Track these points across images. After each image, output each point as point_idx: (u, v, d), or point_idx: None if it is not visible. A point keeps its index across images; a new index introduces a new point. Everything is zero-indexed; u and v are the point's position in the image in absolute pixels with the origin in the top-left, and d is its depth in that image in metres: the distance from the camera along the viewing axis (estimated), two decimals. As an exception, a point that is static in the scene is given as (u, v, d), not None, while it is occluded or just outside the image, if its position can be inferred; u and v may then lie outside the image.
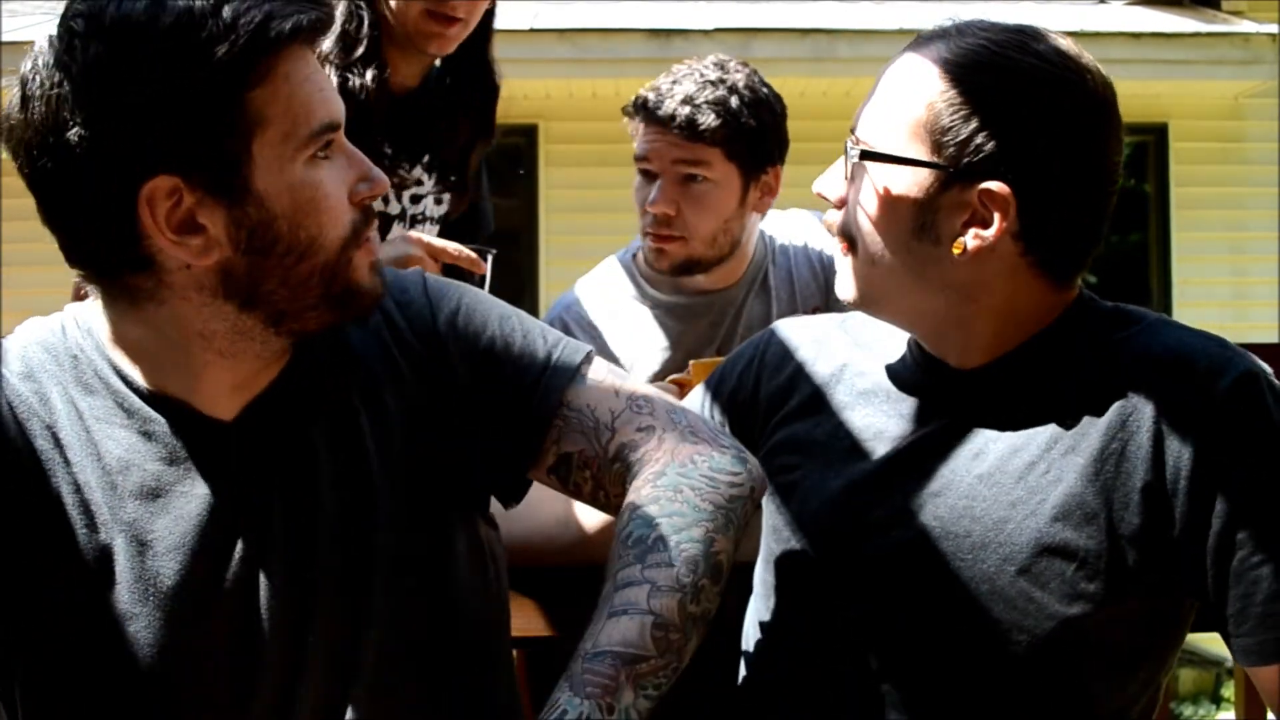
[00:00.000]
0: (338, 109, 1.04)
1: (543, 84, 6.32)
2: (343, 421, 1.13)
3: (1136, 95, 6.93)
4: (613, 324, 2.04)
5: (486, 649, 1.22)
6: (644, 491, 1.11)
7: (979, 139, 1.14)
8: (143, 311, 1.05)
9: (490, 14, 1.99)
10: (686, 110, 1.87)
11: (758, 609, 1.37)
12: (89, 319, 1.12)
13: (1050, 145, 1.14)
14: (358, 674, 1.11)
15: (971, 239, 1.16)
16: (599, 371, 1.22)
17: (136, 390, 1.08)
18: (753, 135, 1.91)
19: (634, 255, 2.09)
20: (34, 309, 1.24)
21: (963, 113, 1.14)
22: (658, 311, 2.03)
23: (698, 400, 1.47)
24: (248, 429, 1.10)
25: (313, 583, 1.10)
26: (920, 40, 1.21)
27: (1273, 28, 6.46)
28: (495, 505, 1.58)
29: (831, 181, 1.25)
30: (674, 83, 1.91)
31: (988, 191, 1.14)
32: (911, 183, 1.17)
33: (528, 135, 6.68)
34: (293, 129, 1.00)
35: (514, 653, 1.38)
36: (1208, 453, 1.12)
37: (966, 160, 1.14)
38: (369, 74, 1.88)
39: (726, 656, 1.44)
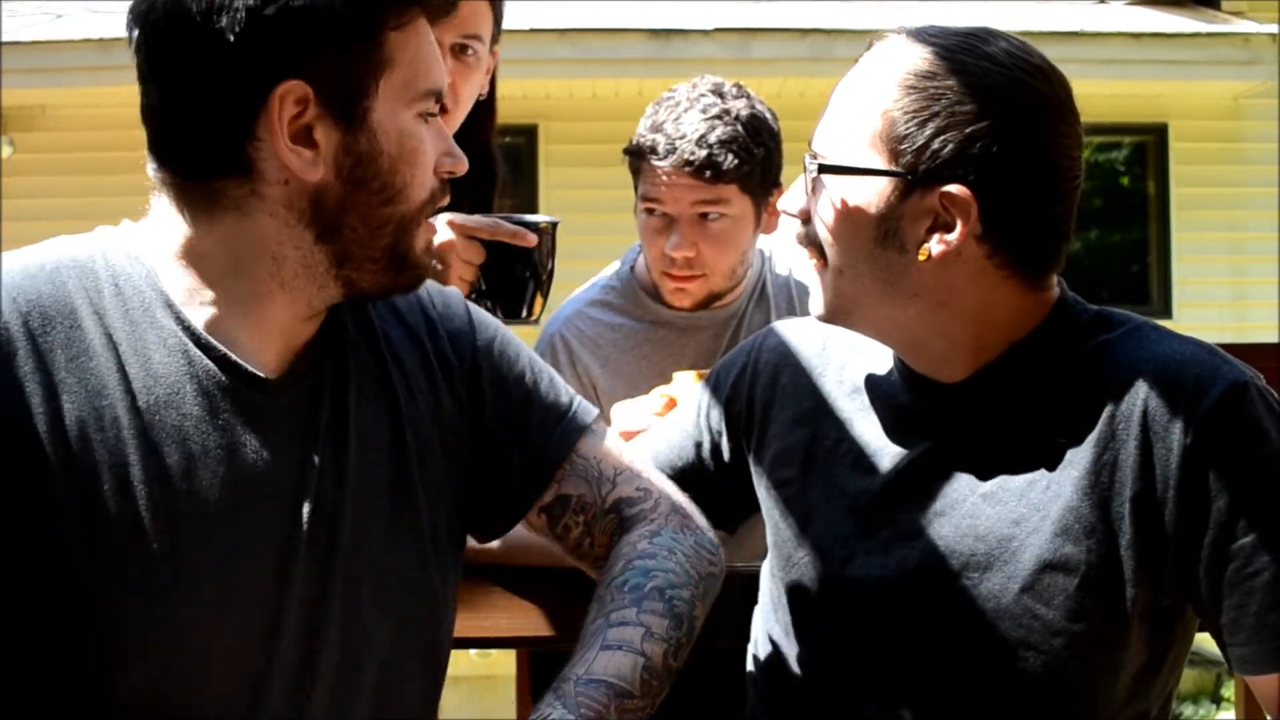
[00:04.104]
0: (445, 81, 1.10)
1: (543, 84, 6.32)
2: (379, 403, 1.15)
3: (1136, 95, 6.94)
4: (614, 337, 2.03)
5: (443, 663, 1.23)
6: (640, 545, 1.19)
7: (935, 144, 1.13)
8: (220, 223, 1.05)
9: (492, 101, 1.92)
10: (703, 153, 1.84)
11: (766, 621, 1.37)
12: (137, 246, 1.08)
13: (1007, 145, 1.14)
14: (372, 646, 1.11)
15: (936, 244, 1.15)
16: (609, 432, 1.29)
17: (186, 328, 1.06)
18: (763, 164, 1.89)
19: (631, 267, 2.08)
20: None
21: (918, 119, 1.14)
22: (660, 326, 2.03)
23: (692, 408, 1.46)
24: (287, 386, 1.09)
25: (335, 547, 1.09)
26: (871, 52, 1.21)
27: (1273, 28, 6.46)
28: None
29: (794, 198, 1.26)
30: (677, 120, 1.87)
31: (948, 195, 1.14)
32: (872, 192, 1.17)
33: (528, 135, 6.68)
34: (413, 80, 1.05)
35: (514, 652, 1.38)
36: (1196, 463, 1.11)
37: (924, 166, 1.14)
38: None
39: (736, 668, 1.44)
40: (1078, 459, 1.15)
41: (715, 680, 1.55)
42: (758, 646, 1.38)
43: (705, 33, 6.39)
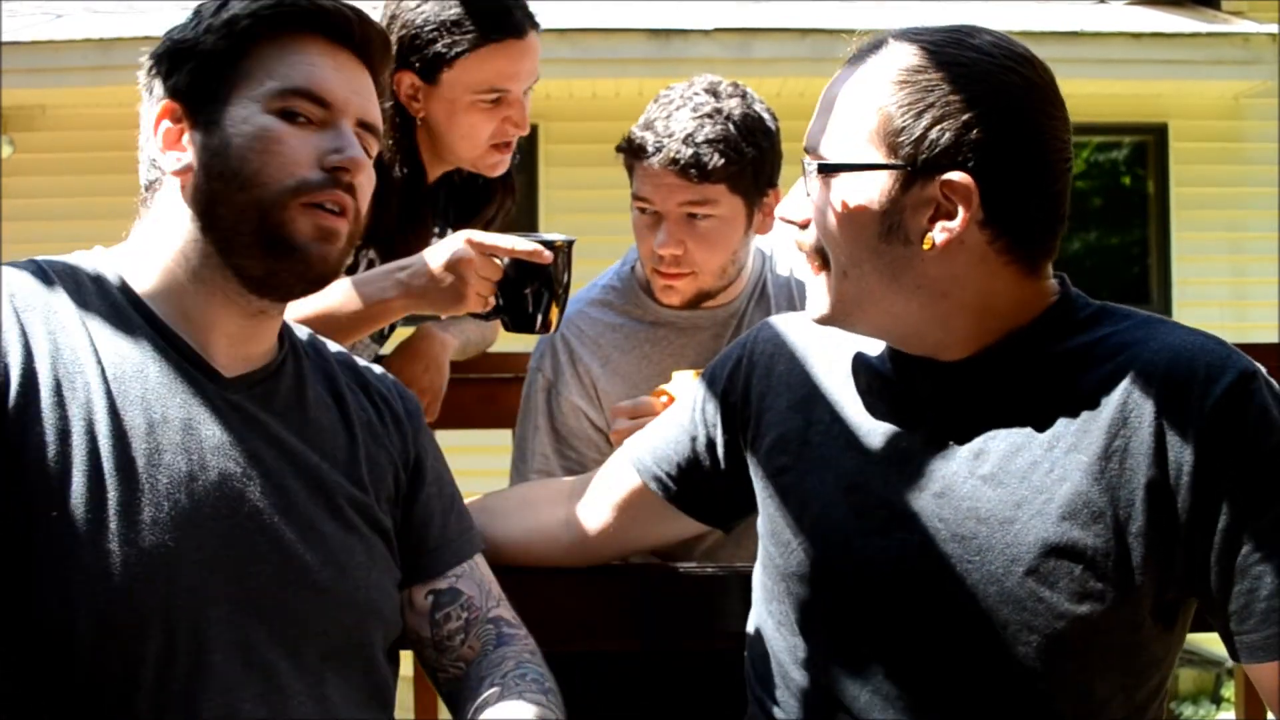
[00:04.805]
0: (330, 88, 1.23)
1: (543, 84, 6.27)
2: (333, 412, 1.31)
3: (1136, 95, 6.94)
4: (614, 337, 2.03)
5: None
6: (529, 657, 1.33)
7: (933, 134, 1.16)
8: (154, 227, 1.25)
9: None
10: (689, 152, 1.83)
11: (759, 614, 1.37)
12: (115, 256, 1.26)
13: (1001, 129, 1.16)
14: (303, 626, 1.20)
15: (940, 233, 1.17)
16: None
17: (151, 320, 1.21)
18: (754, 164, 1.88)
19: (632, 267, 2.07)
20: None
21: (914, 111, 1.16)
22: (660, 327, 2.02)
23: (689, 404, 1.47)
24: (242, 383, 1.24)
25: (280, 531, 1.20)
26: (859, 54, 1.23)
27: (1273, 28, 6.46)
28: (493, 504, 1.59)
29: (794, 204, 1.27)
30: (668, 119, 1.87)
31: (949, 183, 1.16)
32: (874, 188, 1.18)
33: (528, 135, 6.67)
34: (268, 83, 1.21)
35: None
36: (1209, 451, 1.12)
37: (924, 156, 1.16)
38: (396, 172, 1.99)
39: (736, 668, 1.44)
40: (1085, 444, 1.16)
41: (715, 680, 1.55)
42: (751, 646, 1.39)
43: (705, 33, 6.39)
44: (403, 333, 2.24)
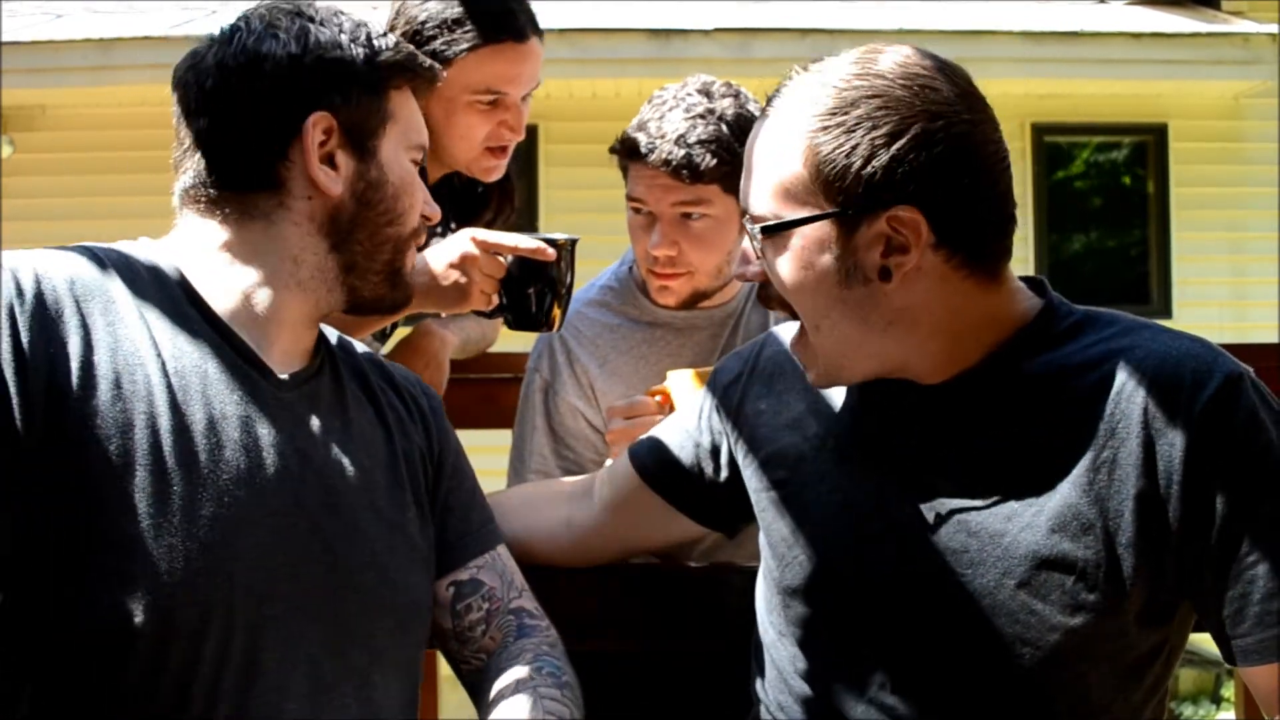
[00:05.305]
0: (426, 140, 1.33)
1: (543, 84, 6.31)
2: (368, 412, 1.33)
3: (1136, 95, 6.94)
4: (612, 338, 2.02)
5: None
6: (549, 650, 1.33)
7: (866, 171, 1.14)
8: (249, 229, 1.23)
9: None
10: (681, 153, 1.82)
11: (761, 623, 1.37)
12: (168, 249, 1.25)
13: (930, 150, 1.14)
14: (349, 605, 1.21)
15: (895, 265, 1.17)
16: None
17: (209, 318, 1.21)
18: None
19: (630, 268, 2.07)
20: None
21: (843, 153, 1.15)
22: (657, 327, 2.02)
23: (694, 410, 1.47)
24: (292, 383, 1.25)
25: (331, 532, 1.20)
26: (770, 105, 1.22)
27: (1273, 28, 6.46)
28: (494, 503, 1.59)
29: (746, 264, 1.26)
30: (661, 120, 1.86)
31: (895, 218, 1.15)
32: (821, 238, 1.18)
33: (528, 135, 6.67)
34: (409, 132, 1.29)
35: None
36: (1199, 456, 1.12)
37: (861, 196, 1.15)
38: None
39: (736, 668, 1.44)
40: (1073, 456, 1.16)
41: (715, 680, 1.55)
42: (754, 653, 1.39)
43: (705, 33, 6.39)
44: (403, 332, 2.24)
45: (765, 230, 1.20)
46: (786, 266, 1.20)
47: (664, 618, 1.55)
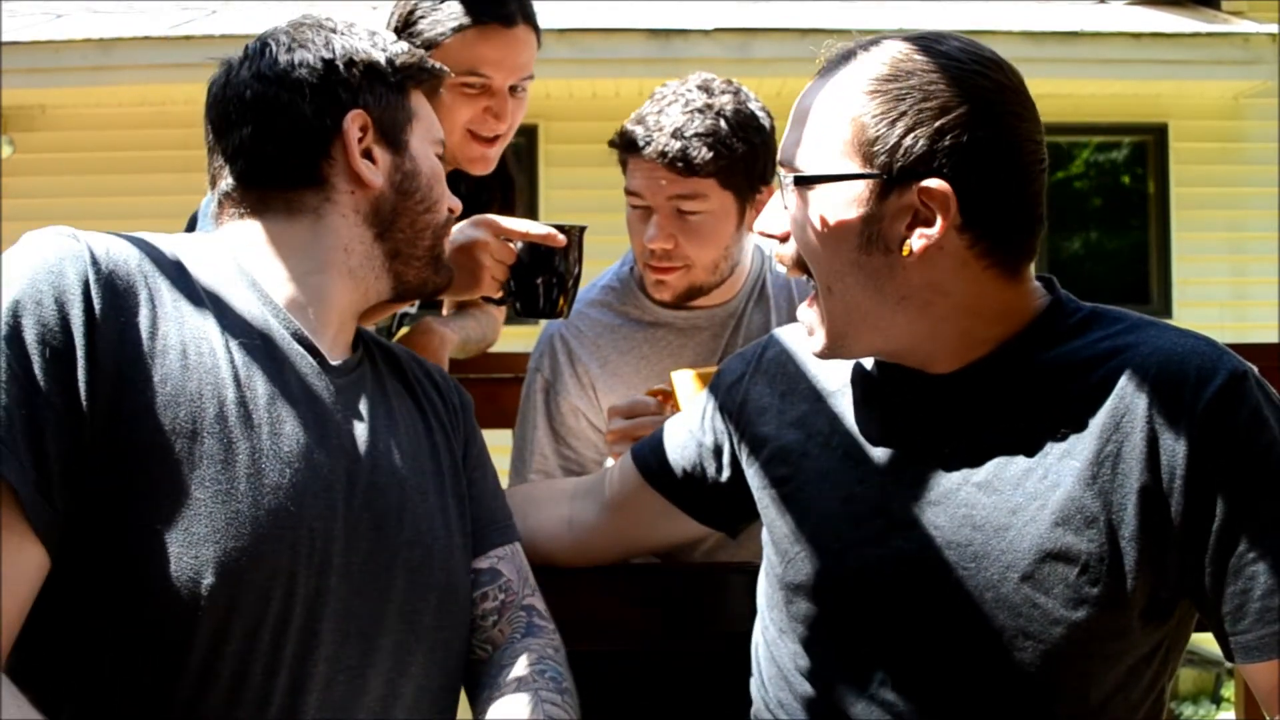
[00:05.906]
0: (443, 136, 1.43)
1: (543, 84, 6.32)
2: (407, 400, 1.38)
3: (1136, 95, 6.94)
4: (613, 338, 2.03)
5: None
6: (552, 654, 1.35)
7: (908, 141, 1.16)
8: (298, 224, 1.31)
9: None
10: (677, 145, 1.83)
11: (762, 620, 1.38)
12: (219, 243, 1.30)
13: (974, 134, 1.16)
14: (391, 593, 1.23)
15: (918, 239, 1.17)
16: None
17: (267, 302, 1.26)
18: (745, 160, 1.87)
19: (631, 268, 2.07)
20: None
21: (887, 120, 1.17)
22: (658, 327, 2.02)
23: (698, 410, 1.47)
24: (341, 369, 1.29)
25: (382, 512, 1.24)
26: (830, 65, 1.24)
27: (1273, 28, 6.46)
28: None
29: (772, 218, 1.27)
30: (659, 113, 1.87)
31: (926, 190, 1.16)
32: (851, 198, 1.18)
33: (528, 135, 6.68)
34: (430, 128, 1.39)
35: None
36: (1202, 452, 1.12)
37: (899, 165, 1.16)
38: None
39: (736, 668, 1.44)
40: (1078, 450, 1.16)
41: (715, 680, 1.55)
42: (756, 650, 1.39)
43: (705, 33, 6.39)
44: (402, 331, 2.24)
45: (798, 180, 1.21)
46: (812, 221, 1.21)
47: (664, 618, 1.55)
